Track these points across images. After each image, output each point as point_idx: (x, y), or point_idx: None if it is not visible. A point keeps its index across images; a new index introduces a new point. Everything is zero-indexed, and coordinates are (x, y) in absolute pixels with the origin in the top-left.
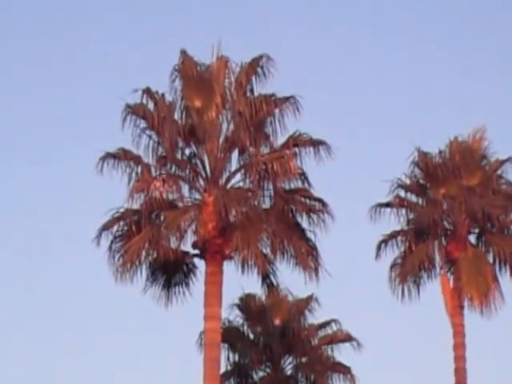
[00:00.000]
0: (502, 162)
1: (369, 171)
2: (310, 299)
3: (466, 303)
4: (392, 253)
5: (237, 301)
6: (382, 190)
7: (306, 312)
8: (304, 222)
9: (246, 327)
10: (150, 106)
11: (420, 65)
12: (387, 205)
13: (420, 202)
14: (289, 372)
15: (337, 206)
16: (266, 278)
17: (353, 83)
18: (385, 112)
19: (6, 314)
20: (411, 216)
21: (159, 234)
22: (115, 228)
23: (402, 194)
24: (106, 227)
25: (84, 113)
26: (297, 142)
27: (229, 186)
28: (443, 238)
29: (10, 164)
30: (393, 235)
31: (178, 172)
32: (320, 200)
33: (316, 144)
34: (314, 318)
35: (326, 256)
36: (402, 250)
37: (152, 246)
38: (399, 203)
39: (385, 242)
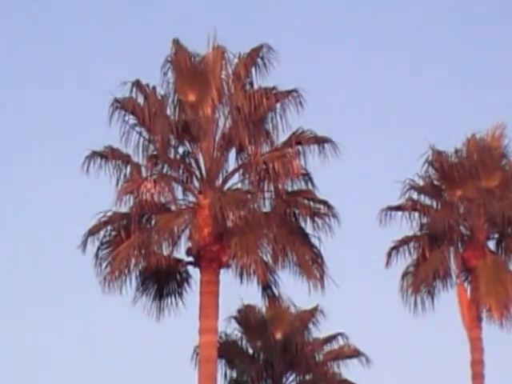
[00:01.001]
0: None
1: (378, 171)
2: (314, 311)
3: (484, 315)
4: (404, 260)
5: (235, 313)
6: (392, 191)
7: (310, 325)
8: (308, 227)
9: (244, 341)
10: (140, 100)
11: (434, 56)
12: (398, 208)
13: (434, 204)
14: None
15: (344, 210)
16: (266, 287)
17: (361, 76)
18: (396, 107)
19: None
20: (425, 220)
21: (150, 239)
22: (102, 233)
23: (415, 196)
24: (92, 232)
25: (68, 108)
26: (300, 139)
27: (226, 187)
28: (460, 245)
29: None
30: (405, 241)
31: (170, 172)
32: (325, 203)
33: (321, 142)
34: (318, 331)
35: (331, 264)
36: (415, 257)
37: (142, 253)
38: (412, 206)
39: (396, 248)
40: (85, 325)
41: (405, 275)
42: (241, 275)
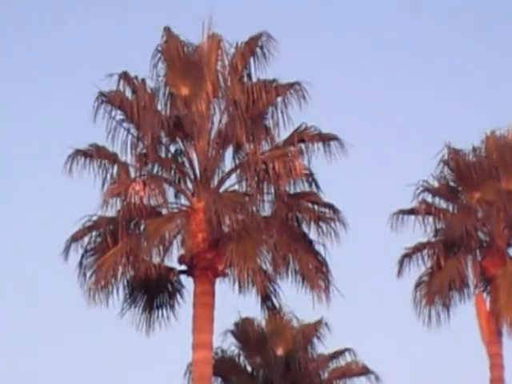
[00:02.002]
0: None
1: (389, 172)
2: (318, 324)
3: (504, 329)
4: (417, 269)
5: (231, 326)
6: (405, 194)
7: (315, 340)
8: (312, 233)
9: (242, 358)
10: (128, 93)
11: (451, 47)
12: (411, 212)
13: (450, 208)
14: None
15: (351, 214)
16: (266, 299)
17: (369, 70)
18: (408, 102)
19: None
20: (440, 225)
21: (139, 246)
22: (86, 239)
23: (429, 198)
24: (75, 238)
25: (49, 102)
26: (303, 136)
27: (222, 189)
28: (478, 252)
29: None
30: (418, 248)
31: (161, 173)
32: (331, 206)
33: (326, 139)
34: (323, 346)
35: (338, 273)
36: (429, 265)
37: (130, 261)
38: (425, 210)
39: (408, 256)
40: (68, 339)
41: (418, 285)
42: (238, 285)
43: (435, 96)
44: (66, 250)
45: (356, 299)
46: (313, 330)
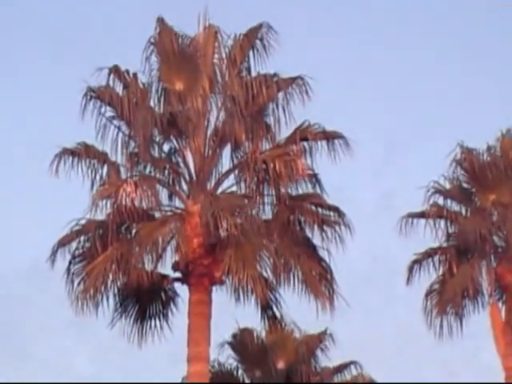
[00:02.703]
0: None
1: (397, 172)
2: (322, 336)
3: None
4: (428, 276)
5: (229, 338)
6: (414, 196)
7: (318, 352)
8: (315, 237)
9: (240, 371)
10: (119, 89)
11: (464, 42)
12: (421, 215)
13: (463, 211)
14: None
15: (357, 217)
16: (266, 308)
17: (378, 64)
18: (419, 99)
19: None
20: (452, 229)
21: (130, 252)
22: (74, 244)
23: (441, 201)
24: (62, 243)
25: (35, 98)
26: (306, 135)
27: (219, 191)
28: (493, 258)
29: None
30: (429, 254)
31: (154, 173)
32: (335, 209)
33: (330, 138)
34: (328, 359)
35: (343, 281)
36: (441, 272)
37: (121, 268)
38: (437, 213)
39: (418, 262)
40: (55, 351)
41: (429, 294)
42: (236, 293)
43: (448, 93)
44: (53, 256)
45: (362, 308)
46: (316, 341)
